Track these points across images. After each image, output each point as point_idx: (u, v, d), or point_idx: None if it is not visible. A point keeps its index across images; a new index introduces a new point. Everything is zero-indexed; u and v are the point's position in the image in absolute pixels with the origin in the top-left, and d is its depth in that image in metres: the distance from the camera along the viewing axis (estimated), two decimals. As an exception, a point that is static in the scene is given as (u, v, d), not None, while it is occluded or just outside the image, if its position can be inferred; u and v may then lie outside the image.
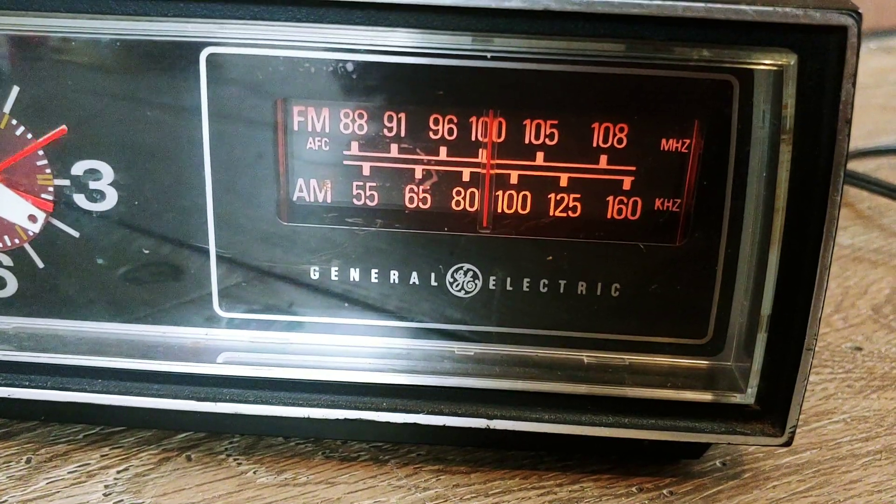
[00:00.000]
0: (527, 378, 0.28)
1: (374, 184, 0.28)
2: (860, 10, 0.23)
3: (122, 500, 0.27)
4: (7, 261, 0.28)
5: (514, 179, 0.28)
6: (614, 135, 0.27)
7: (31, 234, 0.28)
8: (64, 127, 0.27)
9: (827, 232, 0.25)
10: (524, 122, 0.27)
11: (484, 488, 0.29)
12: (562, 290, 0.28)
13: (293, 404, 0.27)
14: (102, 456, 0.29)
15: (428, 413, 0.27)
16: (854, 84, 0.23)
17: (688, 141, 0.27)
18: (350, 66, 0.26)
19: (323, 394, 0.27)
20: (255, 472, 0.29)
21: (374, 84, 0.26)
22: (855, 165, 0.54)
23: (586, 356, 0.29)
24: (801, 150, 0.25)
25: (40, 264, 0.28)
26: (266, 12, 0.24)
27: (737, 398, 0.28)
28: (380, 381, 0.27)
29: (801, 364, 0.26)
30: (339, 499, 0.28)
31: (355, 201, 0.28)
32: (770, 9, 0.23)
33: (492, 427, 0.27)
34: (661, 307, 0.28)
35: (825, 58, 0.23)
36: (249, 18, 0.24)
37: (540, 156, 0.28)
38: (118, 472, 0.28)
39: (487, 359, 0.29)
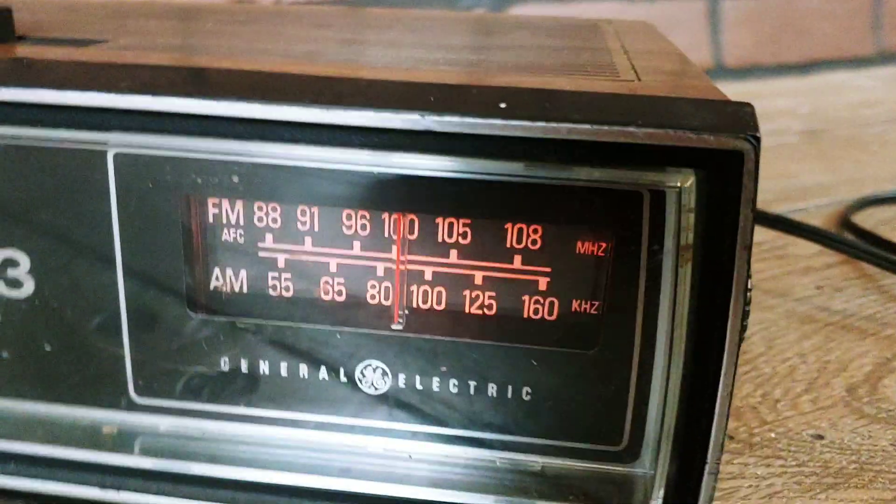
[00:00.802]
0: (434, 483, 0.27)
1: (288, 275, 0.28)
2: (759, 134, 0.22)
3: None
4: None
5: (427, 276, 0.28)
6: (528, 235, 0.27)
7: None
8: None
9: (728, 358, 0.24)
10: (437, 221, 0.27)
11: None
12: (472, 392, 0.28)
13: (195, 498, 0.27)
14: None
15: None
16: (753, 209, 0.22)
17: (603, 245, 0.26)
18: (261, 170, 0.26)
19: (224, 489, 0.27)
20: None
21: (285, 185, 0.26)
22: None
23: (499, 459, 0.28)
24: (701, 271, 0.24)
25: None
26: (165, 124, 0.24)
27: (649, 508, 0.27)
28: (283, 483, 0.27)
29: (703, 486, 0.25)
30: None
31: (271, 292, 0.28)
32: (661, 131, 0.22)
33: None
34: (576, 411, 0.28)
35: (724, 181, 0.22)
36: (148, 131, 0.25)
37: (454, 253, 0.27)
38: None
39: (398, 457, 0.28)
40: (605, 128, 0.22)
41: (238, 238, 0.28)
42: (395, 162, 0.25)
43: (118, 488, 0.27)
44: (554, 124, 0.22)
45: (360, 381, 0.28)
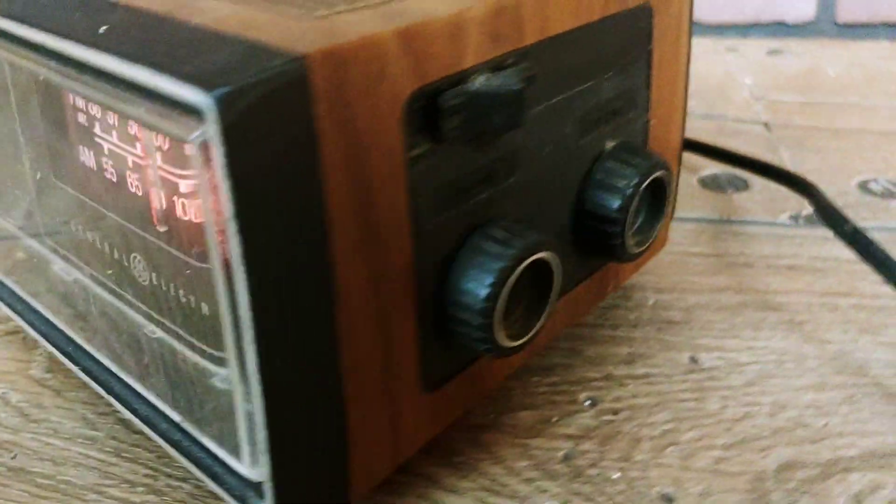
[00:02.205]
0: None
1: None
2: (230, 89, 0.18)
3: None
4: None
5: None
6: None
7: None
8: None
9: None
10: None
11: None
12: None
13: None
14: None
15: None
16: (236, 176, 0.19)
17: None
18: None
19: None
20: None
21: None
22: None
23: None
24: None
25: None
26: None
27: None
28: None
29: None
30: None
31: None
32: (148, 71, 0.20)
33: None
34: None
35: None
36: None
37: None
38: None
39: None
40: (126, 66, 0.20)
41: None
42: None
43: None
44: (92, 51, 0.21)
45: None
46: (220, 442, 0.26)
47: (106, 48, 0.21)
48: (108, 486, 0.30)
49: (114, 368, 0.30)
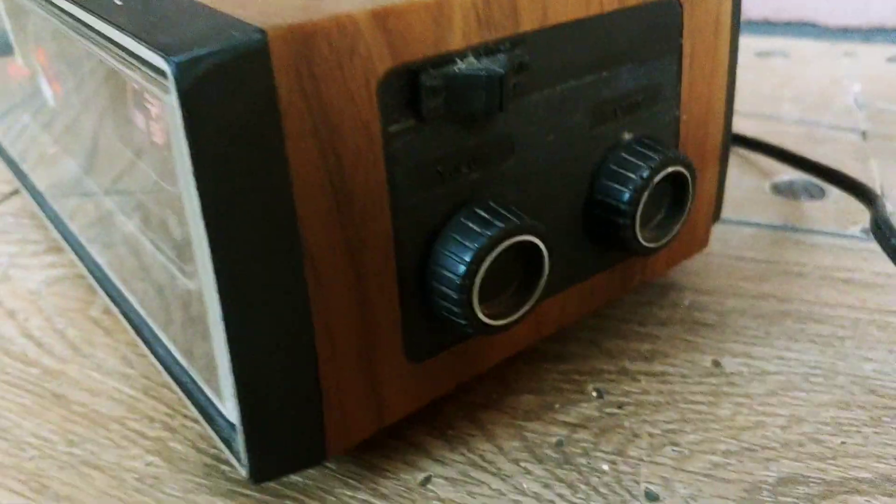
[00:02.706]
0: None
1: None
2: (189, 56, 0.20)
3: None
4: None
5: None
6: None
7: None
8: None
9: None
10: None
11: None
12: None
13: None
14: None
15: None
16: (195, 142, 0.21)
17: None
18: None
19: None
20: None
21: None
22: None
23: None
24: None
25: None
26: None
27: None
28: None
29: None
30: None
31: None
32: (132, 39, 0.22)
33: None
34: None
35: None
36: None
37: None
38: None
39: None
40: (117, 33, 0.23)
41: None
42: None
43: None
44: (97, 20, 0.24)
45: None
46: (211, 385, 0.28)
47: (112, 20, 0.24)
48: (131, 419, 0.33)
49: (143, 314, 0.33)
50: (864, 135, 0.56)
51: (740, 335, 0.37)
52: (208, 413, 0.29)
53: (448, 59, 0.25)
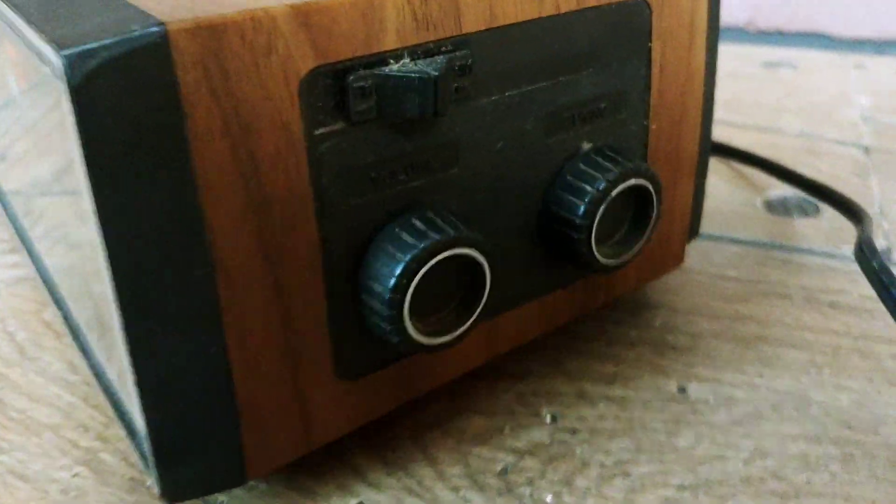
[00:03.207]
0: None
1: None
2: (79, 50, 0.19)
3: None
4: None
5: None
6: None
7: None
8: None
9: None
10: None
11: None
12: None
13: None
14: None
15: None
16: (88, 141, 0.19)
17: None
18: None
19: None
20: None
21: None
22: None
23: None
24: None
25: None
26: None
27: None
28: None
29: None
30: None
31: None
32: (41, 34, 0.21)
33: None
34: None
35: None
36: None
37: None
38: None
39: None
40: (25, 27, 0.22)
41: None
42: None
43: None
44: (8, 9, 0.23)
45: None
46: (130, 399, 0.27)
47: (22, 10, 0.22)
48: (66, 427, 0.32)
49: (80, 322, 0.31)
50: (866, 150, 0.53)
51: (711, 359, 0.35)
52: (132, 427, 0.27)
53: (380, 59, 0.24)
